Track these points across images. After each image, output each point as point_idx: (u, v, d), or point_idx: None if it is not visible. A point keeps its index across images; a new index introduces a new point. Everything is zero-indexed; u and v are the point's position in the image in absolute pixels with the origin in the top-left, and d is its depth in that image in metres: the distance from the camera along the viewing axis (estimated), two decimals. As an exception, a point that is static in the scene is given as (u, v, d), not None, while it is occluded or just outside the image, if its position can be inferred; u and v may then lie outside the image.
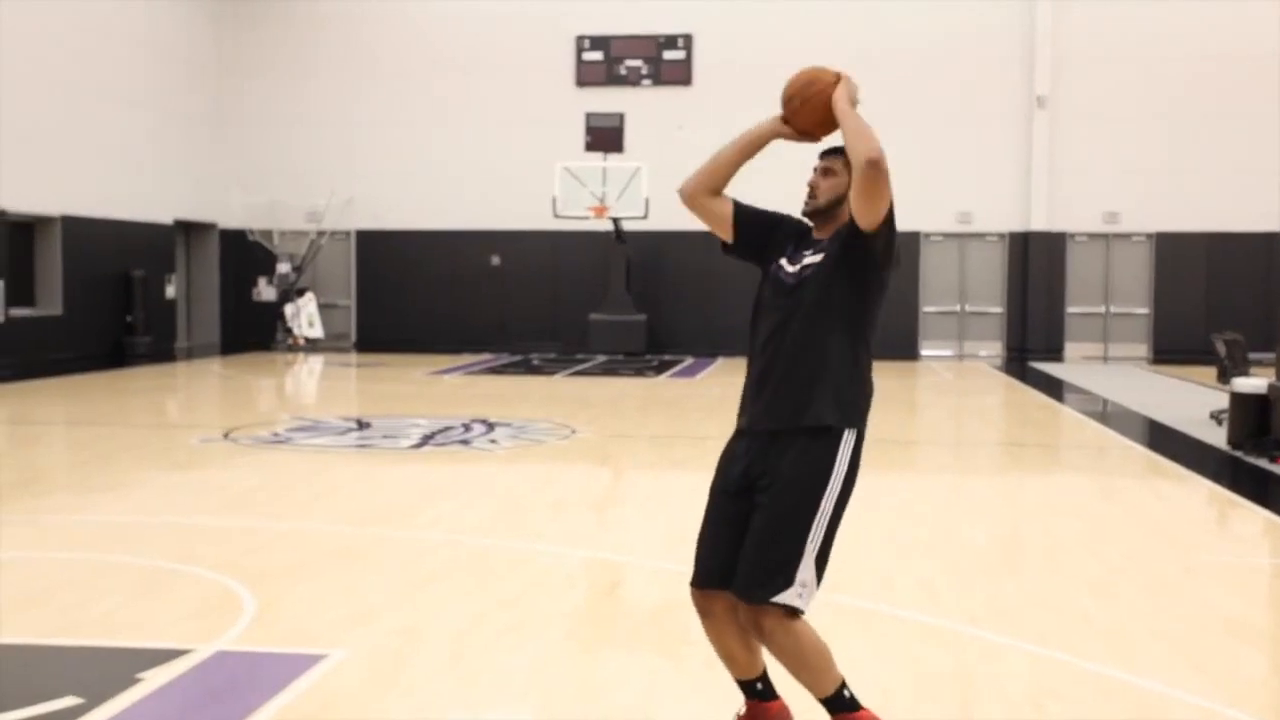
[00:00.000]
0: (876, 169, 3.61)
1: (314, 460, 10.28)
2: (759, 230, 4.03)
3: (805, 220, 3.97)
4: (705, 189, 4.04)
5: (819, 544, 3.71)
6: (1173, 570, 6.58)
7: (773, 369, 3.84)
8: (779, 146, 4.02)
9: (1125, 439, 12.00)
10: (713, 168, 4.02)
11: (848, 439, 3.76)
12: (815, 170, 3.93)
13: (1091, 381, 18.09)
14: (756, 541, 3.71)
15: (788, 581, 3.65)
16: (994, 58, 23.28)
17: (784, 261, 3.94)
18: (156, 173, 22.75)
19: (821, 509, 3.70)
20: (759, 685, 3.95)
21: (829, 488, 3.71)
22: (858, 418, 3.79)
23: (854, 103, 3.78)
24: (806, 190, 3.92)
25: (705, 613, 3.91)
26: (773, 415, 3.80)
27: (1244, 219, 22.42)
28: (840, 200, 3.85)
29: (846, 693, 3.77)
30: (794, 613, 3.68)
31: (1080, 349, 23.51)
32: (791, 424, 3.75)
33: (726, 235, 4.05)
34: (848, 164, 3.80)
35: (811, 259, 3.86)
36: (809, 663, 3.72)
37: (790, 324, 3.84)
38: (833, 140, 3.93)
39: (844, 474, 3.74)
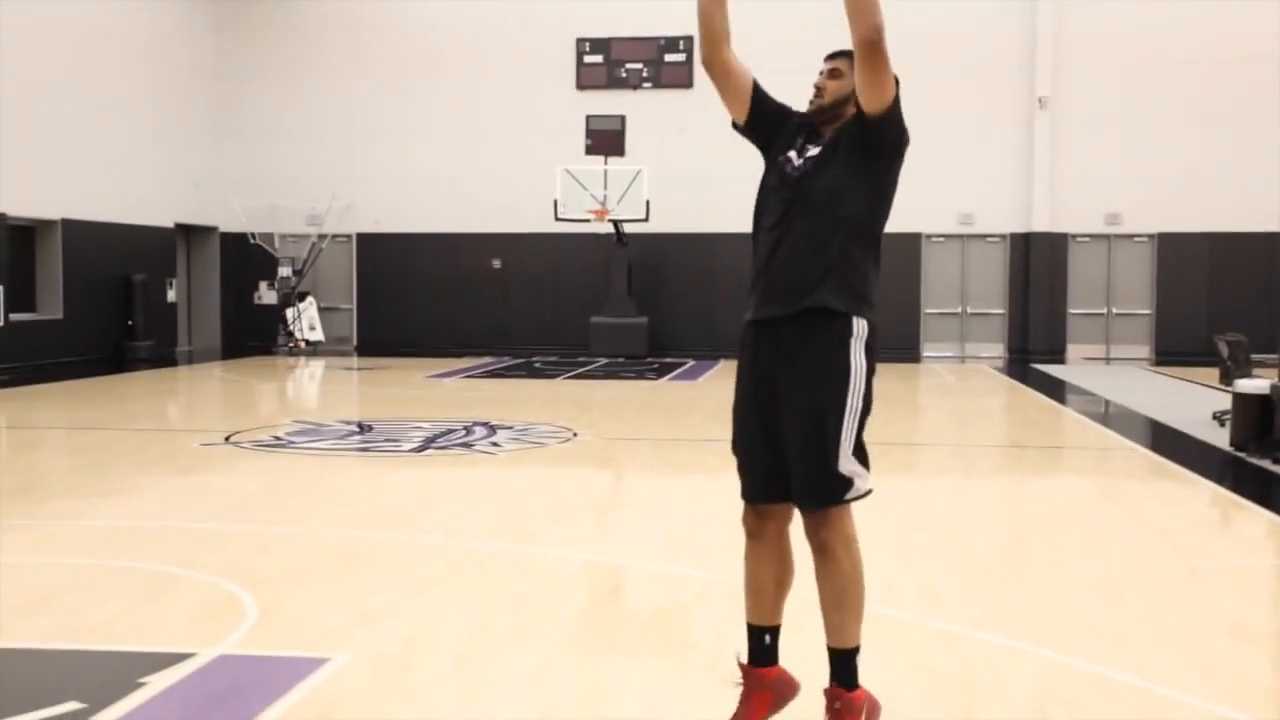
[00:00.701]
0: (875, 50, 3.66)
1: (316, 464, 10.27)
2: (772, 115, 4.08)
3: (813, 117, 4.03)
4: (713, 45, 4.05)
5: (853, 438, 3.78)
6: (1176, 572, 6.57)
7: (774, 257, 3.86)
8: (805, 59, 4.07)
9: (1128, 440, 11.98)
10: (704, 25, 4.04)
11: (859, 329, 3.79)
12: (821, 72, 4.01)
13: (1093, 383, 18.08)
14: (799, 455, 3.78)
15: (840, 482, 3.75)
16: (995, 59, 23.30)
17: (791, 154, 3.97)
18: (157, 176, 22.77)
19: (850, 406, 3.77)
20: (767, 638, 4.00)
21: (851, 384, 3.77)
22: (866, 308, 3.82)
23: None
24: (813, 91, 4.00)
25: (754, 533, 4.01)
26: (777, 301, 3.83)
27: (1246, 219, 22.42)
28: (845, 100, 3.91)
29: (857, 661, 3.83)
30: (851, 523, 3.78)
31: (1082, 350, 23.50)
32: (795, 308, 3.79)
33: (741, 111, 4.08)
34: (853, 65, 3.86)
35: (815, 151, 3.91)
36: (850, 599, 3.80)
37: (793, 214, 3.87)
38: (841, 43, 3.98)
39: (864, 366, 3.79)
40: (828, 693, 3.88)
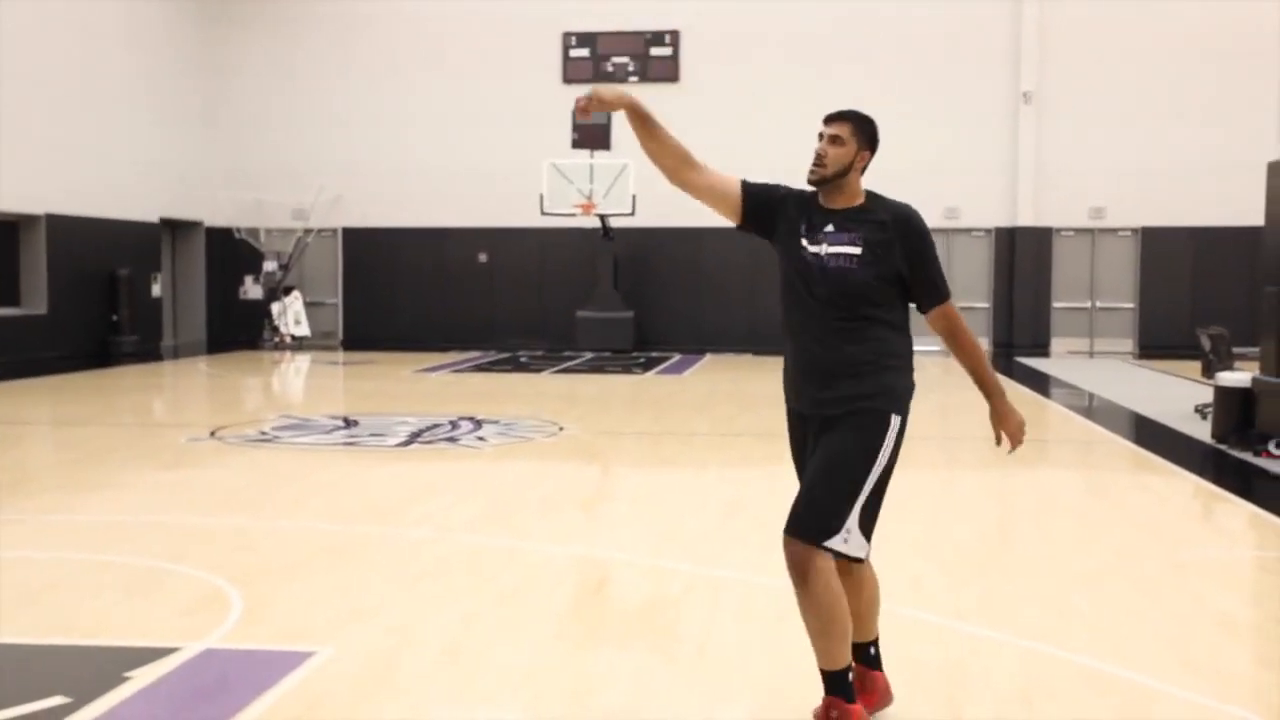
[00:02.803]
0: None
1: (302, 458, 10.26)
2: (768, 207, 4.02)
3: (808, 188, 3.98)
4: (672, 173, 4.01)
5: (868, 494, 3.85)
6: (1159, 564, 6.60)
7: (818, 360, 3.91)
8: (799, 119, 4.05)
9: (1111, 433, 12.04)
10: (653, 160, 4.00)
11: (894, 423, 3.89)
12: (821, 137, 3.91)
13: (1078, 376, 18.15)
14: (815, 484, 3.86)
15: (837, 528, 3.81)
16: (980, 54, 23.34)
17: (804, 242, 3.93)
18: (141, 170, 22.68)
19: (880, 460, 3.86)
20: (872, 650, 4.18)
21: (879, 459, 3.86)
22: (901, 406, 3.92)
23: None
24: (814, 158, 3.91)
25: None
26: (823, 404, 3.92)
27: (1229, 214, 22.49)
28: (848, 169, 3.87)
29: (850, 677, 3.88)
30: (832, 562, 3.83)
31: (1066, 344, 23.59)
32: (842, 410, 3.89)
33: (735, 215, 4.05)
34: (855, 130, 3.87)
35: (839, 249, 3.87)
36: (833, 628, 3.83)
37: (827, 314, 3.88)
38: (838, 104, 3.96)
39: (891, 449, 3.89)
40: (825, 702, 3.91)
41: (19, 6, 19.38)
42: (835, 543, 3.80)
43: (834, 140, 3.88)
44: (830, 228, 3.90)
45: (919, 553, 6.68)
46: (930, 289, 3.95)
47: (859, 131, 3.90)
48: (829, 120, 3.92)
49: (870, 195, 3.97)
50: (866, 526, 3.89)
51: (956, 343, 4.01)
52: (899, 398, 3.89)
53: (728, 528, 7.46)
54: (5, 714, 4.15)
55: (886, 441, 3.85)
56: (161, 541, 6.89)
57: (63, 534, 7.16)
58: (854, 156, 3.87)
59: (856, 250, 3.83)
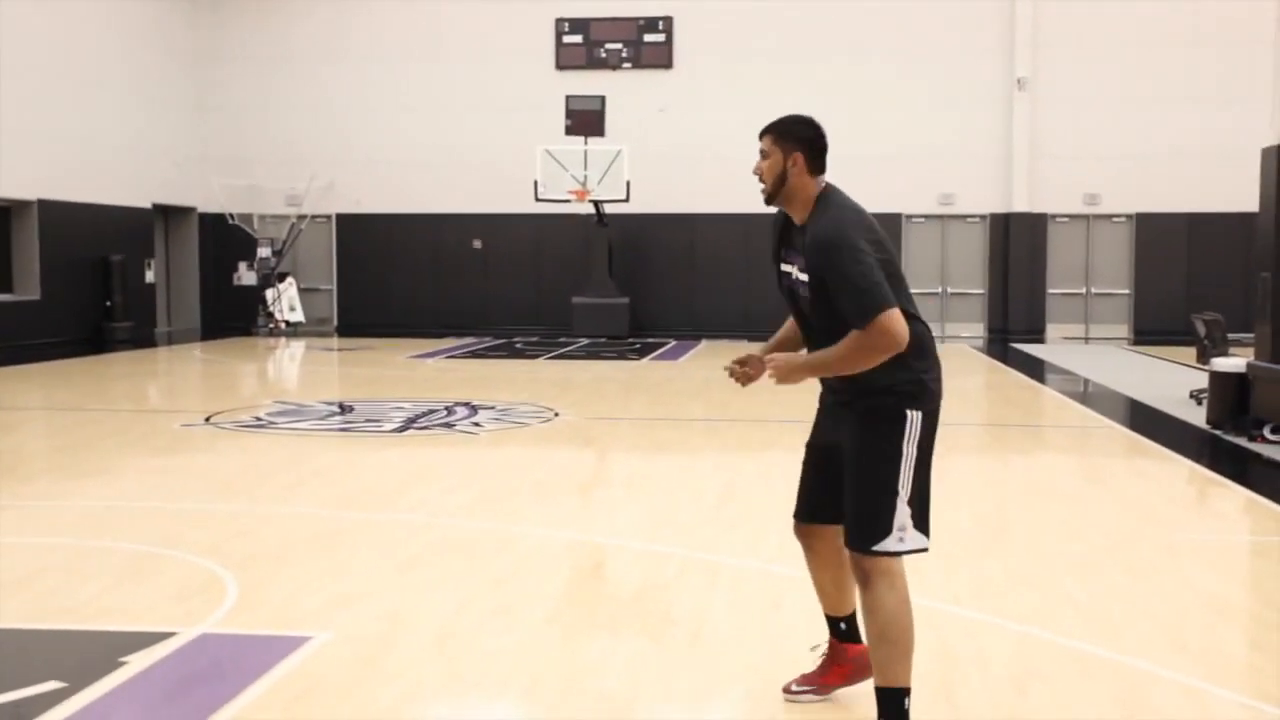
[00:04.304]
0: (879, 351, 3.65)
1: (297, 444, 10.25)
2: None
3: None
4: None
5: (910, 488, 3.76)
6: (1154, 549, 6.62)
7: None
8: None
9: (1106, 419, 12.05)
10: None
11: (911, 418, 3.75)
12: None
13: (1073, 362, 18.17)
14: (850, 496, 3.82)
15: (886, 530, 3.75)
16: (975, 40, 23.31)
17: (780, 260, 3.97)
18: (135, 156, 22.62)
19: (905, 455, 3.75)
20: (843, 625, 4.19)
21: (903, 456, 3.75)
22: (913, 401, 3.75)
23: (793, 369, 3.79)
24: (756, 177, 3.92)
25: (805, 546, 4.18)
26: (836, 391, 3.92)
27: (1223, 200, 22.49)
28: (781, 177, 3.82)
29: (907, 703, 3.77)
30: (897, 565, 3.80)
31: (1061, 330, 23.61)
32: (853, 411, 3.82)
33: None
34: (775, 139, 3.83)
35: (795, 270, 3.87)
36: (893, 634, 3.76)
37: (814, 324, 3.87)
38: (761, 121, 3.98)
39: (917, 443, 3.77)
40: None
41: (11, -8, 19.30)
42: (889, 544, 3.75)
43: (762, 155, 3.86)
44: (792, 245, 3.90)
45: (913, 538, 6.68)
46: (851, 310, 3.63)
47: (780, 138, 3.82)
48: (760, 136, 3.89)
49: (818, 205, 3.80)
50: (921, 520, 3.80)
51: (865, 345, 3.65)
52: (908, 393, 3.74)
53: (722, 513, 7.46)
54: (1, 698, 4.15)
55: (907, 437, 3.73)
56: (156, 527, 6.89)
57: (57, 519, 7.16)
58: (784, 164, 3.80)
59: (805, 276, 3.79)
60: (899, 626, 3.75)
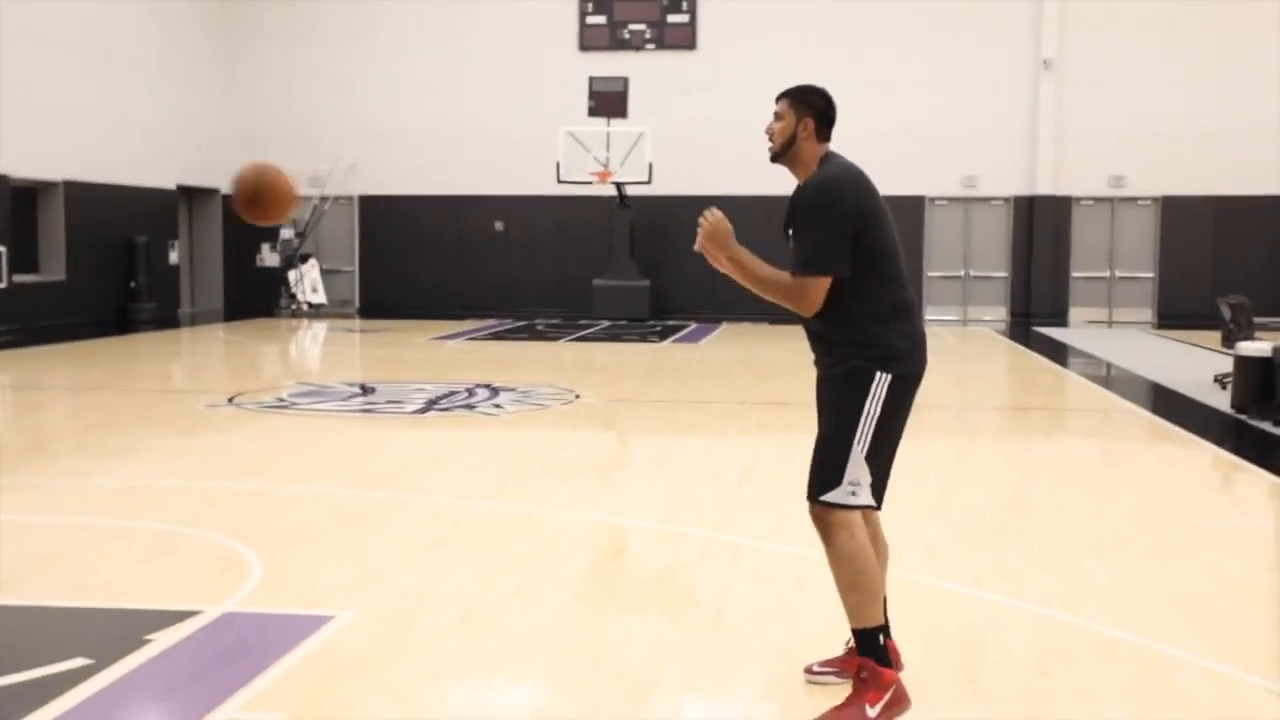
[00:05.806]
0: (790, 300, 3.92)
1: (319, 425, 10.30)
2: None
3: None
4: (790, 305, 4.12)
5: (868, 445, 3.87)
6: (1177, 533, 6.60)
7: (807, 325, 4.08)
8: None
9: (1129, 403, 12.00)
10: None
11: (879, 378, 3.89)
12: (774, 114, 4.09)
13: (1096, 346, 18.08)
14: (814, 450, 3.97)
15: (836, 479, 3.87)
16: (1000, 21, 23.14)
17: (787, 224, 4.11)
18: (159, 137, 22.70)
19: (867, 411, 3.87)
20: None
21: (864, 412, 3.87)
22: (884, 363, 3.89)
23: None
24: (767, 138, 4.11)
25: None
26: (819, 365, 4.08)
27: (1250, 182, 22.33)
28: (792, 140, 4.03)
29: (882, 639, 3.92)
30: (854, 516, 3.89)
31: (1085, 313, 23.49)
32: (828, 373, 4.01)
33: None
34: (791, 104, 4.03)
35: (791, 234, 4.04)
36: (860, 581, 3.87)
37: None
38: (778, 86, 4.12)
39: (881, 402, 3.89)
40: (857, 663, 3.93)
41: (36, -27, 19.35)
42: (839, 495, 3.87)
43: (777, 117, 4.06)
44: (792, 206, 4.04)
45: (935, 520, 6.69)
46: (795, 259, 3.93)
47: (795, 103, 4.04)
48: (777, 99, 4.09)
49: (819, 169, 4.00)
50: (877, 486, 3.94)
51: (785, 287, 3.94)
52: (883, 356, 3.89)
53: (743, 494, 7.47)
54: (28, 675, 4.20)
55: (871, 395, 3.87)
56: (181, 506, 6.94)
57: (83, 498, 7.22)
58: (795, 127, 4.01)
59: (791, 232, 4.02)
60: (866, 574, 3.88)
